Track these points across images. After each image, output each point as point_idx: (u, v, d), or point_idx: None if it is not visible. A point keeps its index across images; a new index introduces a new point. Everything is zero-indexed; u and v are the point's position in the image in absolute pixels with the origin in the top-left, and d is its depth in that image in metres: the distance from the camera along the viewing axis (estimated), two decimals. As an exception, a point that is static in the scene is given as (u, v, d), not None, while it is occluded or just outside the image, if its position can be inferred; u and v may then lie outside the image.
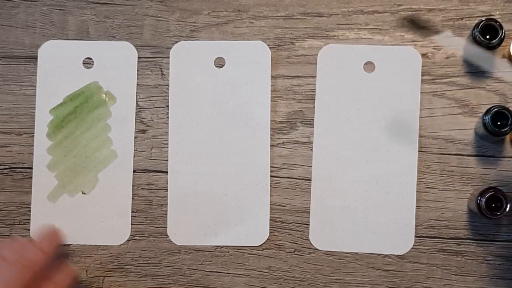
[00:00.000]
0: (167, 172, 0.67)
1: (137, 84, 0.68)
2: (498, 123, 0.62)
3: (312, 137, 0.67)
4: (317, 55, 0.67)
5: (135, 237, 0.67)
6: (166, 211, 0.67)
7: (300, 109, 0.67)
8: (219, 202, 0.67)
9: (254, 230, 0.66)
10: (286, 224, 0.67)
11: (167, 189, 0.67)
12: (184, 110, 0.67)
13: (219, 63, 0.67)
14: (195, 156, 0.67)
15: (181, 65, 0.67)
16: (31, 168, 0.68)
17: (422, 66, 0.66)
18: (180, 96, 0.67)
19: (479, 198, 0.62)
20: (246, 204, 0.66)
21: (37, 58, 0.68)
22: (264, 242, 0.67)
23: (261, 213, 0.66)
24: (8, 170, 0.68)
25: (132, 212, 0.67)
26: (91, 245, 0.67)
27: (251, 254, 0.67)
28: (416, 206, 0.65)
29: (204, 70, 0.67)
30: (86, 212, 0.67)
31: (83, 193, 0.67)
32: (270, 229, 0.67)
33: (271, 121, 0.67)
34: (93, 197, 0.67)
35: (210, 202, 0.67)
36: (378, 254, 0.66)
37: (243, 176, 0.66)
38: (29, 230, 0.68)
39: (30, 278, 0.60)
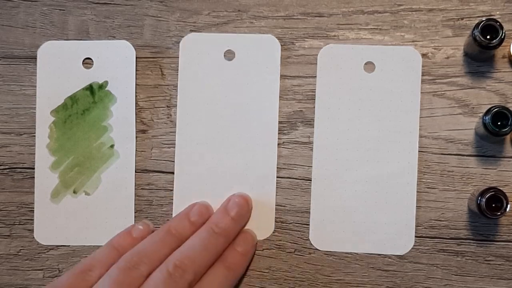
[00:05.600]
0: (167, 172, 0.67)
1: (137, 84, 0.68)
2: (499, 123, 0.62)
3: (312, 137, 0.67)
4: (317, 55, 0.67)
5: (135, 237, 0.67)
6: (167, 211, 0.67)
7: (300, 109, 0.67)
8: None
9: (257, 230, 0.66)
10: (286, 224, 0.67)
11: (167, 189, 0.67)
12: (191, 108, 0.66)
13: (229, 56, 0.67)
14: (201, 155, 0.66)
15: (189, 58, 0.67)
16: (31, 168, 0.68)
17: (422, 66, 0.66)
18: (188, 93, 0.67)
19: (479, 198, 0.62)
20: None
21: (37, 58, 0.68)
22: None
23: (264, 213, 0.66)
24: (8, 170, 0.68)
25: (132, 212, 0.68)
26: (90, 245, 0.67)
27: (251, 254, 0.67)
28: (416, 206, 0.65)
29: (214, 63, 0.67)
30: (90, 212, 0.67)
31: (86, 193, 0.67)
32: (270, 229, 0.67)
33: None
34: (96, 198, 0.67)
35: (215, 202, 0.66)
36: (379, 254, 0.66)
37: (249, 175, 0.66)
38: (29, 230, 0.68)
39: (222, 246, 0.60)
